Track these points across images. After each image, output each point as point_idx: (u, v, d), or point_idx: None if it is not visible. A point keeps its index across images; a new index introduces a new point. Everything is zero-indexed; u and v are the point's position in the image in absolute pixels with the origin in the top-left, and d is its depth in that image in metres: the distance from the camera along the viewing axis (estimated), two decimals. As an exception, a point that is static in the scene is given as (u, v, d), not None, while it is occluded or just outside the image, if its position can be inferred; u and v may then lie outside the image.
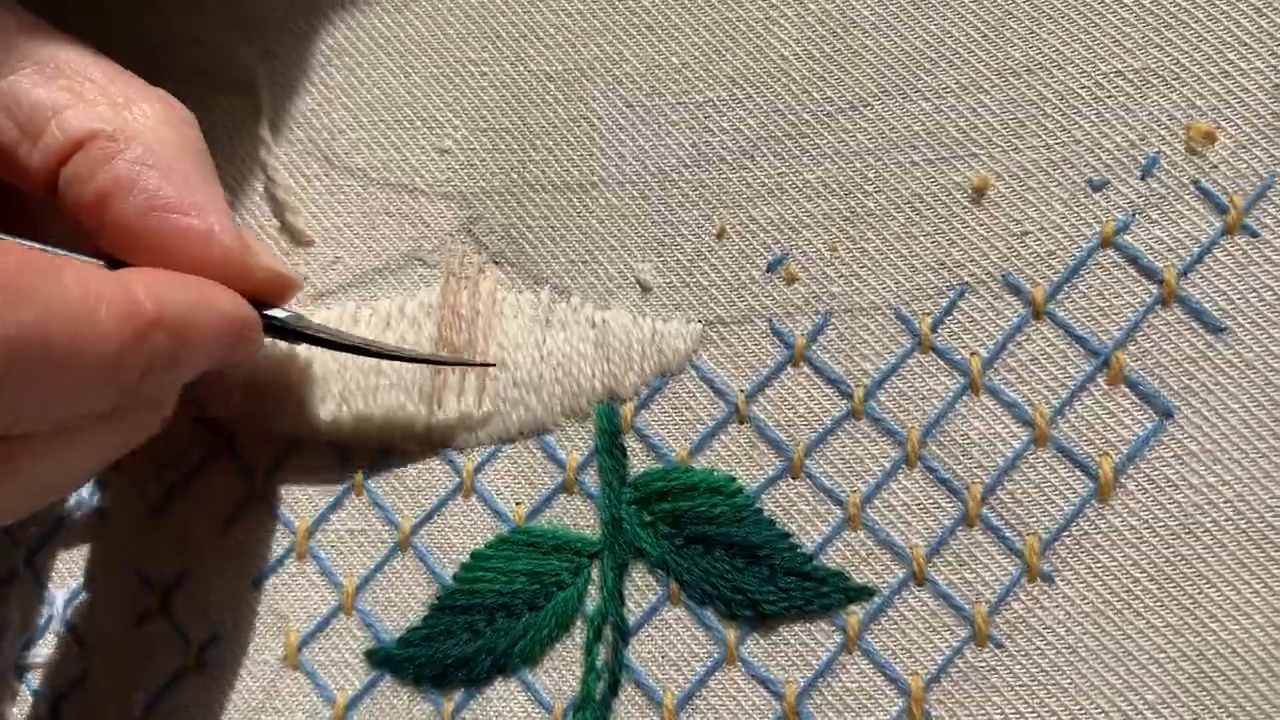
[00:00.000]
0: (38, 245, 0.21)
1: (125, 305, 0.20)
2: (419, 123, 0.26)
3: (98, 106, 0.22)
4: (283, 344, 0.25)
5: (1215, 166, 0.23)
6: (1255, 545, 0.21)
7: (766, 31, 0.25)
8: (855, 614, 0.22)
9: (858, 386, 0.23)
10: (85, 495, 0.26)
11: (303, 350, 0.25)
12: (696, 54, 0.25)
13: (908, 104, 0.24)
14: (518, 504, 0.24)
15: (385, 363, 0.25)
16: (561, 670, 0.23)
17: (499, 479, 0.25)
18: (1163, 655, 0.21)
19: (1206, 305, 0.22)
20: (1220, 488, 0.22)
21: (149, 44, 0.27)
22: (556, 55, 0.26)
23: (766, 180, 0.24)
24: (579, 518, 0.24)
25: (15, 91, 0.21)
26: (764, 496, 0.23)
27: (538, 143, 0.26)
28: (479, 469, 0.25)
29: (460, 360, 0.25)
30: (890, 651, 0.22)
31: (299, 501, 0.25)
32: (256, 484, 0.25)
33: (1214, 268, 0.22)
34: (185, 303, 0.21)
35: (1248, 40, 0.23)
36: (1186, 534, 0.22)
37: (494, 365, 0.24)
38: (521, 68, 0.26)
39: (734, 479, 0.23)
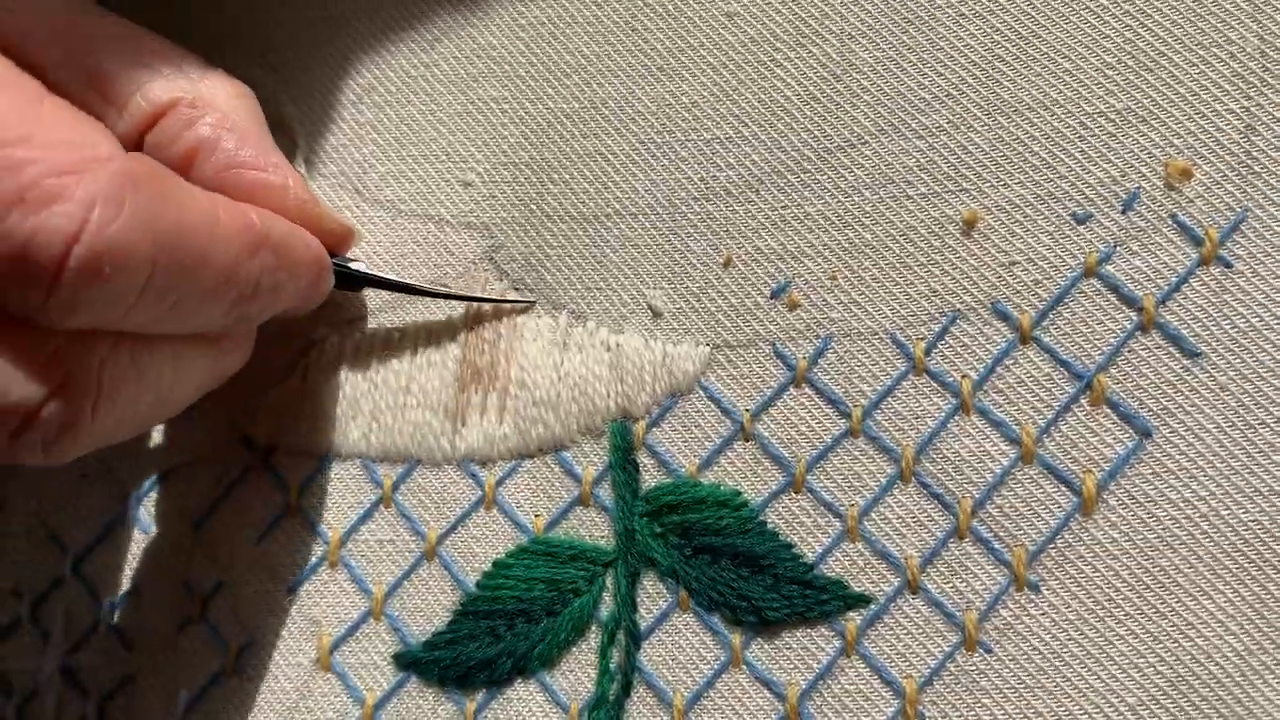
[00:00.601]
0: None
1: (243, 220, 0.22)
2: (444, 157, 0.28)
3: (177, 79, 0.24)
4: (317, 366, 0.27)
5: (1191, 201, 0.24)
6: (1229, 557, 0.23)
7: (770, 74, 0.26)
8: (853, 620, 0.24)
9: (856, 406, 0.25)
10: (131, 508, 0.28)
11: (335, 374, 0.27)
12: (705, 94, 0.27)
13: (902, 142, 0.26)
14: (536, 516, 0.26)
15: (412, 383, 0.27)
16: (577, 672, 0.25)
17: (519, 492, 0.26)
18: (1142, 660, 0.23)
19: (1183, 332, 0.24)
20: (1196, 503, 0.23)
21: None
22: (573, 94, 0.28)
23: (770, 213, 0.26)
24: (594, 529, 0.26)
25: (102, 68, 0.23)
26: (768, 509, 0.25)
27: (555, 176, 0.27)
28: (500, 483, 0.26)
29: (500, 299, 0.27)
30: (886, 656, 0.24)
31: (331, 513, 0.27)
32: (291, 498, 0.27)
33: (1190, 297, 0.24)
34: (286, 230, 0.24)
35: (1221, 83, 0.24)
36: (1164, 546, 0.23)
37: (533, 302, 0.27)
38: (540, 106, 0.28)
39: (740, 493, 0.25)
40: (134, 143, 0.24)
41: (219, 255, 0.21)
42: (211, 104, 0.24)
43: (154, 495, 0.28)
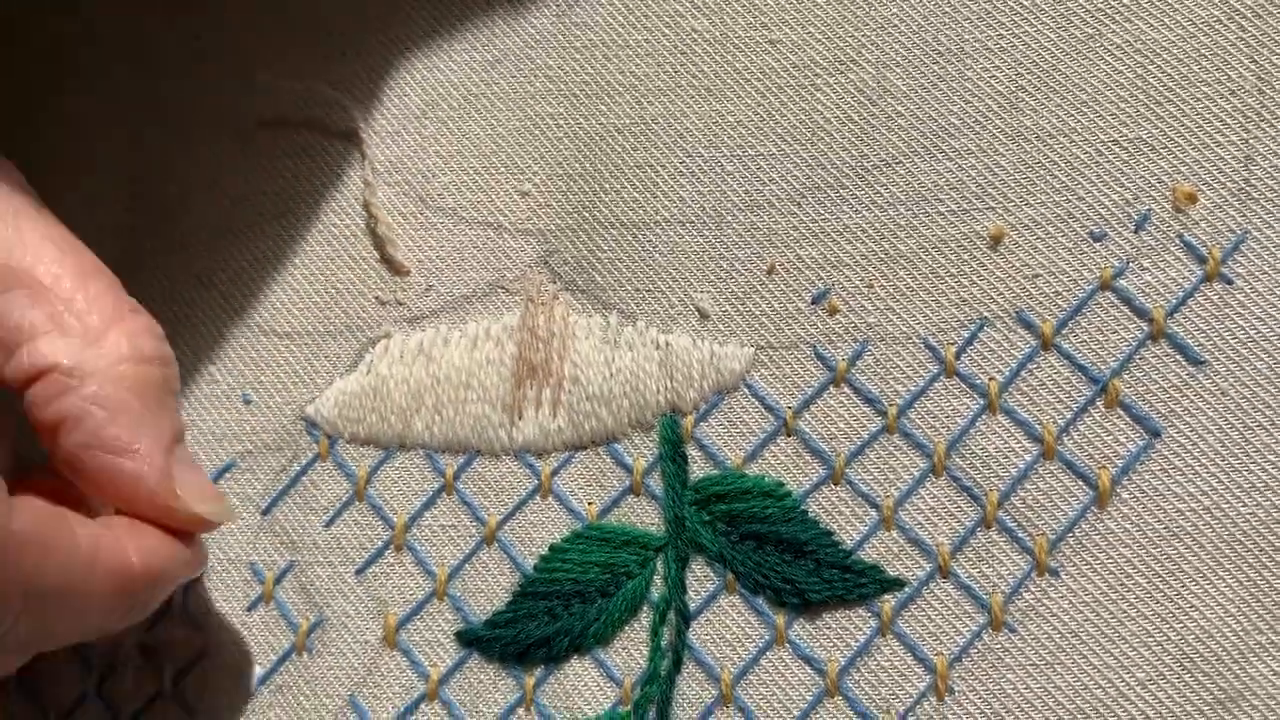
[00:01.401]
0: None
1: (119, 563, 0.23)
2: (502, 169, 0.30)
3: (69, 336, 0.24)
4: (385, 360, 0.29)
5: (1196, 223, 0.26)
6: (1229, 547, 0.25)
7: (811, 97, 0.29)
8: (888, 602, 0.26)
9: (891, 405, 0.27)
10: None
11: (400, 369, 0.29)
12: (750, 114, 0.29)
13: (934, 162, 0.28)
14: (590, 504, 0.28)
15: (472, 379, 0.29)
16: (630, 650, 0.27)
17: (573, 481, 0.28)
18: (1151, 639, 0.25)
19: (1189, 341, 0.26)
20: (1200, 497, 0.25)
21: (264, 97, 0.31)
22: (625, 111, 0.30)
23: (811, 224, 0.28)
24: (645, 516, 0.27)
25: (3, 309, 0.24)
26: (809, 500, 0.27)
27: (607, 186, 0.29)
28: (555, 473, 0.28)
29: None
30: (919, 635, 0.26)
31: (397, 500, 0.28)
32: (359, 485, 0.28)
33: (1195, 310, 0.26)
34: (165, 560, 0.24)
35: (1224, 117, 0.27)
36: (1171, 536, 0.25)
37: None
38: (594, 122, 0.30)
39: (783, 484, 0.27)
40: (22, 387, 0.24)
41: (91, 601, 0.23)
42: (92, 374, 0.24)
43: (221, 482, 0.29)
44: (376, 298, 0.30)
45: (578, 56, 0.30)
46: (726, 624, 0.26)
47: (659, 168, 0.29)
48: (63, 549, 0.22)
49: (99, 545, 0.23)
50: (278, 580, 0.28)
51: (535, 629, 0.27)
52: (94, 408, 0.24)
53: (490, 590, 0.27)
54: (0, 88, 0.33)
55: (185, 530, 0.25)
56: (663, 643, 0.26)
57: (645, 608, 0.27)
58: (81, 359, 0.24)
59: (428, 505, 0.28)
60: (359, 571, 0.28)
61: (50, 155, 0.29)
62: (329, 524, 0.28)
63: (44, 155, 0.27)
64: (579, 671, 0.27)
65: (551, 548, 0.27)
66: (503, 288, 0.29)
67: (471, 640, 0.27)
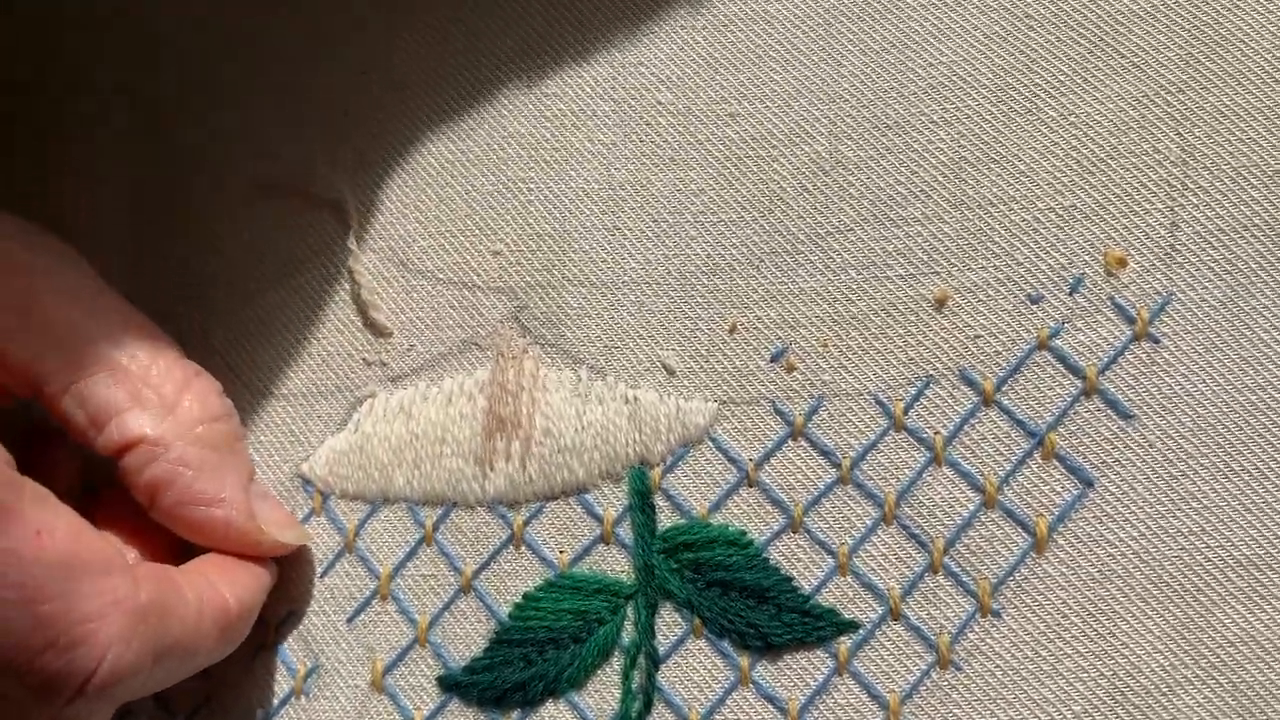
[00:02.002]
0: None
1: (219, 606, 0.26)
2: (477, 231, 0.31)
3: (150, 409, 0.27)
4: (370, 418, 0.30)
5: (1126, 286, 0.28)
6: (1157, 588, 0.27)
7: (769, 168, 0.30)
8: (844, 644, 0.28)
9: (845, 458, 0.29)
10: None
11: (383, 426, 0.30)
12: (711, 182, 0.31)
13: (883, 230, 0.30)
14: (562, 552, 0.29)
15: (446, 433, 0.30)
16: (603, 693, 0.28)
17: (546, 531, 0.29)
18: (1086, 675, 0.27)
19: (1119, 397, 0.28)
20: (1130, 542, 0.27)
21: (257, 167, 0.32)
22: (594, 176, 0.31)
23: (770, 287, 0.30)
24: (615, 565, 0.29)
25: (89, 392, 0.27)
26: (770, 548, 0.28)
27: (576, 246, 0.31)
28: (528, 523, 0.29)
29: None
30: (873, 674, 0.27)
31: (382, 551, 0.30)
32: (349, 538, 0.30)
33: (1125, 367, 0.28)
34: (254, 594, 0.28)
35: (1151, 186, 0.29)
36: (1104, 579, 0.27)
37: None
38: (564, 185, 0.31)
39: (745, 533, 0.28)
40: (115, 456, 0.27)
41: (201, 648, 0.26)
42: (174, 440, 0.27)
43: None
44: (363, 359, 0.31)
45: (549, 124, 0.32)
46: (694, 666, 0.28)
47: (626, 230, 0.31)
48: (179, 609, 0.25)
49: (203, 598, 0.26)
50: (279, 628, 0.30)
51: (511, 674, 0.28)
52: (181, 469, 0.27)
53: (469, 637, 0.29)
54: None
55: (270, 555, 0.29)
56: (634, 685, 0.28)
57: (616, 652, 0.28)
58: (163, 429, 0.27)
59: (410, 556, 0.30)
60: (349, 620, 0.29)
61: (51, 217, 0.30)
62: (323, 575, 0.30)
63: (45, 218, 0.28)
64: (554, 714, 0.28)
65: (525, 596, 0.29)
66: (476, 344, 0.31)
67: (452, 685, 0.29)
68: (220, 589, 0.27)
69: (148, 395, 0.27)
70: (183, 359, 0.29)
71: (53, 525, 0.24)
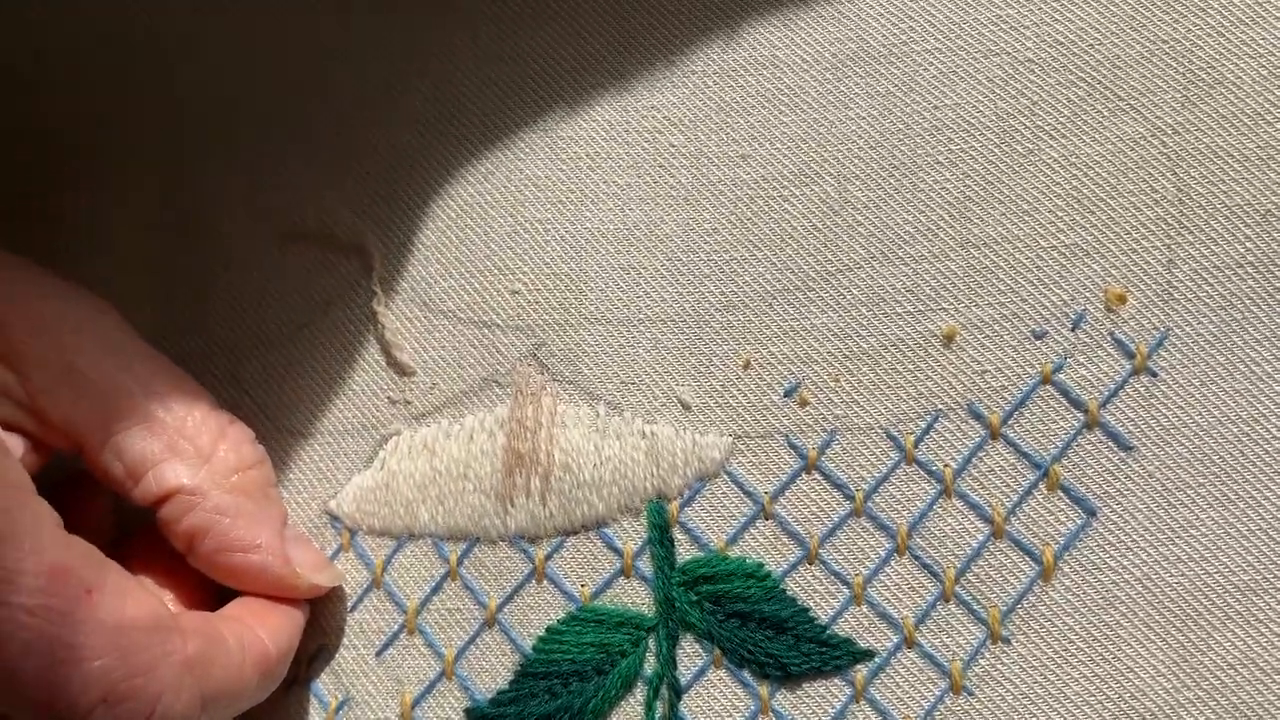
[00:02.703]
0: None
1: (259, 652, 0.27)
2: (495, 271, 0.32)
3: (186, 460, 0.28)
4: (394, 456, 0.31)
5: (1126, 322, 0.29)
6: (1159, 613, 0.28)
7: (781, 207, 0.31)
8: (861, 671, 0.29)
9: (858, 491, 0.30)
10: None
11: (407, 463, 0.31)
12: (724, 222, 0.31)
13: (891, 268, 0.31)
14: (583, 586, 0.30)
15: (468, 470, 0.31)
16: (627, 722, 0.29)
17: (567, 565, 0.30)
18: (1092, 698, 0.28)
19: (1120, 429, 0.29)
20: (1132, 569, 0.28)
21: (283, 213, 0.33)
22: (608, 217, 0.32)
23: (782, 324, 0.31)
24: (636, 598, 0.30)
25: (126, 445, 0.28)
26: (787, 579, 0.29)
27: (592, 285, 0.32)
28: (549, 557, 0.30)
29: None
30: (888, 700, 0.28)
31: (409, 585, 0.30)
32: (376, 573, 0.31)
33: (1125, 401, 0.29)
34: (290, 636, 0.28)
35: (1149, 225, 0.30)
36: (1108, 605, 0.28)
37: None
38: (580, 226, 0.32)
39: (763, 565, 0.29)
40: (153, 506, 0.28)
41: (244, 692, 0.27)
42: (211, 490, 0.28)
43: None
44: (388, 398, 0.32)
45: (564, 168, 0.32)
46: (715, 696, 0.29)
47: (641, 269, 0.32)
48: (223, 657, 0.26)
49: (245, 644, 0.27)
50: (310, 663, 0.30)
51: (537, 706, 0.29)
52: (218, 517, 0.28)
53: (494, 669, 0.30)
54: (20, 187, 0.35)
55: (307, 596, 0.29)
56: (657, 716, 0.29)
57: (639, 683, 0.29)
58: (199, 478, 0.28)
59: (435, 590, 0.30)
60: (379, 653, 0.30)
61: (76, 262, 0.30)
62: (353, 610, 0.30)
63: (69, 262, 0.29)
64: (580, 743, 0.29)
65: (549, 629, 0.30)
66: (496, 382, 0.31)
67: (479, 717, 0.29)
68: (259, 633, 0.27)
69: (183, 446, 0.28)
70: (217, 409, 0.29)
71: (102, 583, 0.24)
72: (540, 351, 0.32)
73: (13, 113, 0.36)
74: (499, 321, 0.32)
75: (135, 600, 0.25)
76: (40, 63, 0.36)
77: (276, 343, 0.33)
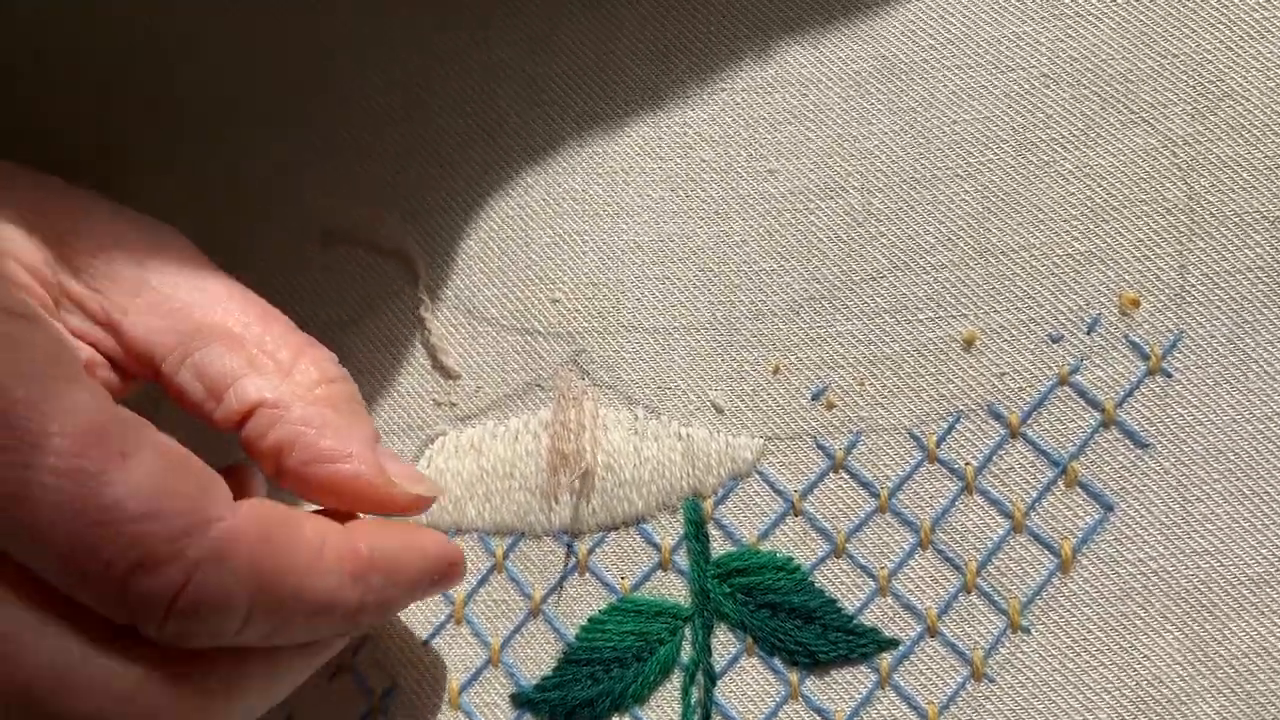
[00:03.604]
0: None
1: (348, 550, 0.25)
2: (537, 281, 0.34)
3: (266, 374, 0.27)
4: (441, 455, 0.33)
5: (1140, 325, 0.31)
6: (1174, 604, 0.29)
7: (807, 220, 0.33)
8: (886, 659, 0.30)
9: (883, 488, 0.31)
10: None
11: (454, 462, 0.33)
12: (754, 234, 0.33)
13: (914, 276, 0.32)
14: (623, 579, 0.32)
15: (514, 469, 0.33)
16: (664, 708, 0.30)
17: (608, 559, 0.32)
18: (1110, 686, 0.29)
19: (1135, 428, 0.30)
20: (1149, 562, 0.29)
21: (329, 220, 0.35)
22: (643, 230, 0.34)
23: (809, 331, 0.32)
24: (673, 589, 0.31)
25: (205, 361, 0.27)
26: (816, 572, 0.30)
27: (629, 294, 0.33)
28: (591, 551, 0.32)
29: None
30: (912, 687, 0.30)
31: (456, 579, 0.32)
32: (426, 566, 0.32)
33: (1140, 400, 0.30)
34: (397, 549, 0.26)
35: (1161, 232, 0.31)
36: (1125, 597, 0.29)
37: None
38: (616, 238, 0.34)
39: (793, 559, 0.31)
40: (234, 429, 0.27)
41: (322, 590, 0.25)
42: (294, 401, 0.27)
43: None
44: (434, 400, 0.34)
45: (601, 182, 0.34)
46: (748, 682, 0.30)
47: (675, 279, 0.33)
48: (289, 541, 0.24)
49: (327, 538, 0.25)
50: (355, 652, 0.32)
51: (580, 691, 0.31)
52: (303, 429, 0.27)
53: (538, 657, 0.31)
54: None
55: (407, 512, 0.28)
56: (692, 700, 0.30)
57: (676, 670, 0.30)
58: (281, 391, 0.27)
59: (482, 582, 0.32)
60: (425, 642, 0.32)
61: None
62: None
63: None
64: (620, 728, 0.31)
65: (590, 619, 0.31)
66: (539, 386, 0.33)
67: (524, 702, 0.31)
68: (353, 534, 0.26)
69: (263, 361, 0.27)
70: (294, 328, 0.28)
71: (139, 447, 0.23)
72: (580, 358, 0.33)
73: (13, 113, 0.37)
74: (540, 329, 0.34)
75: (181, 465, 0.24)
76: (40, 63, 0.38)
77: (321, 343, 0.34)
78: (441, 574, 0.28)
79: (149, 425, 0.24)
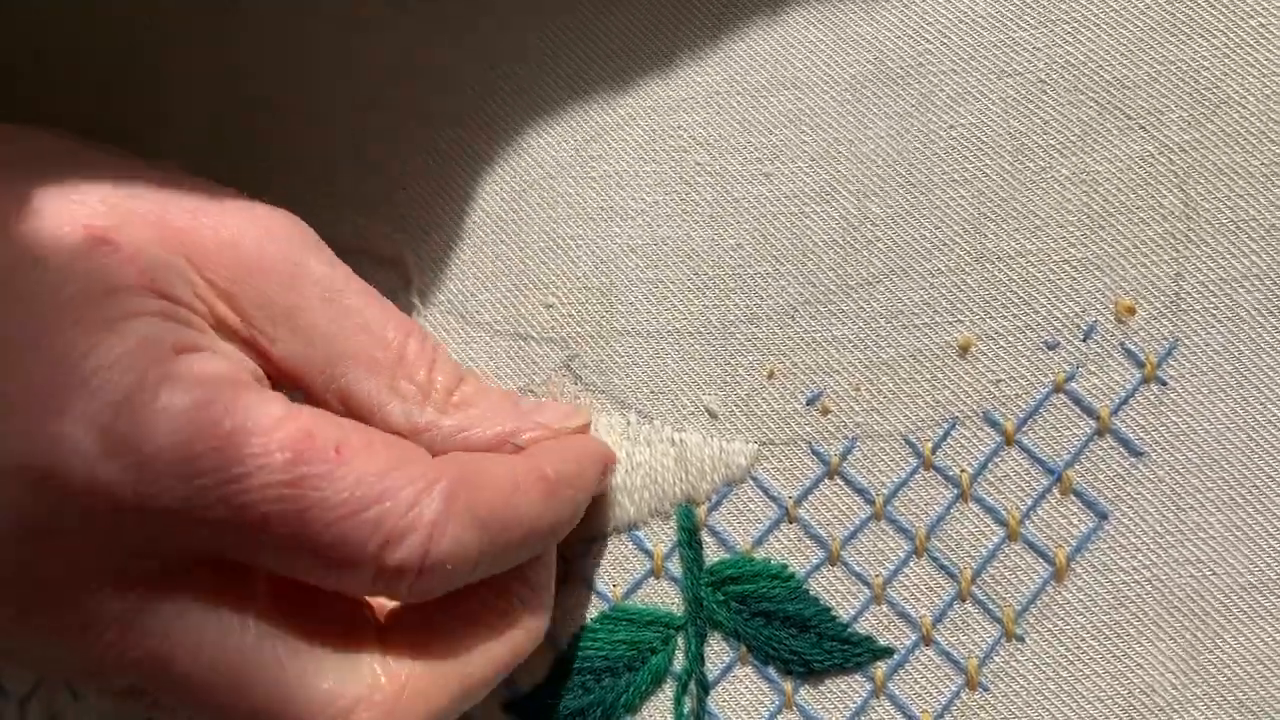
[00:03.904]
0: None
1: (537, 475, 0.28)
2: (530, 286, 0.34)
3: (409, 400, 0.28)
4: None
5: (1135, 333, 0.31)
6: (1168, 612, 0.29)
7: (802, 224, 0.33)
8: (880, 668, 0.30)
9: (878, 495, 0.31)
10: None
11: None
12: (748, 237, 0.33)
13: (909, 281, 0.32)
14: (615, 586, 0.31)
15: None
16: (657, 717, 0.30)
17: (599, 566, 0.32)
18: (1103, 694, 0.29)
19: (1130, 436, 0.30)
20: (1142, 570, 0.29)
21: (321, 227, 0.34)
22: (637, 233, 0.33)
23: (804, 336, 0.32)
24: (665, 597, 0.31)
25: (348, 388, 0.28)
26: (810, 580, 0.30)
27: (622, 299, 0.33)
28: (582, 558, 0.32)
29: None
30: (907, 695, 0.30)
31: (448, 587, 0.32)
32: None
33: (1135, 408, 0.30)
34: (573, 461, 0.29)
35: (1157, 239, 0.31)
36: (1118, 605, 0.29)
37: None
38: (610, 242, 0.33)
39: (787, 567, 0.31)
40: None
41: (527, 515, 0.27)
42: (439, 423, 0.28)
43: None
44: (424, 407, 0.33)
45: (594, 185, 0.34)
46: (741, 691, 0.30)
47: (669, 284, 0.33)
48: (489, 481, 0.27)
49: (515, 469, 0.27)
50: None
51: (572, 701, 0.31)
52: (462, 436, 0.28)
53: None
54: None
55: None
56: (685, 710, 0.30)
57: (669, 679, 0.30)
58: (426, 415, 0.28)
59: (474, 591, 0.32)
60: (416, 652, 0.32)
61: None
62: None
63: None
64: (612, 736, 0.30)
65: (583, 627, 0.31)
66: (532, 391, 0.33)
67: (516, 710, 0.31)
68: (535, 460, 0.28)
69: (404, 386, 0.28)
70: (425, 335, 0.29)
71: (346, 436, 0.25)
72: (574, 363, 0.33)
73: (13, 113, 0.37)
74: (534, 334, 0.33)
75: (381, 442, 0.25)
76: (40, 63, 0.37)
77: None
78: (607, 469, 0.31)
79: (335, 416, 0.26)
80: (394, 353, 0.28)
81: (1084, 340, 0.31)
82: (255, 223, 0.28)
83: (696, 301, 0.33)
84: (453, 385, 0.29)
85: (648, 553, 0.31)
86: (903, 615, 0.30)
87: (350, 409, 0.27)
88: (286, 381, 0.28)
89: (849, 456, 0.31)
